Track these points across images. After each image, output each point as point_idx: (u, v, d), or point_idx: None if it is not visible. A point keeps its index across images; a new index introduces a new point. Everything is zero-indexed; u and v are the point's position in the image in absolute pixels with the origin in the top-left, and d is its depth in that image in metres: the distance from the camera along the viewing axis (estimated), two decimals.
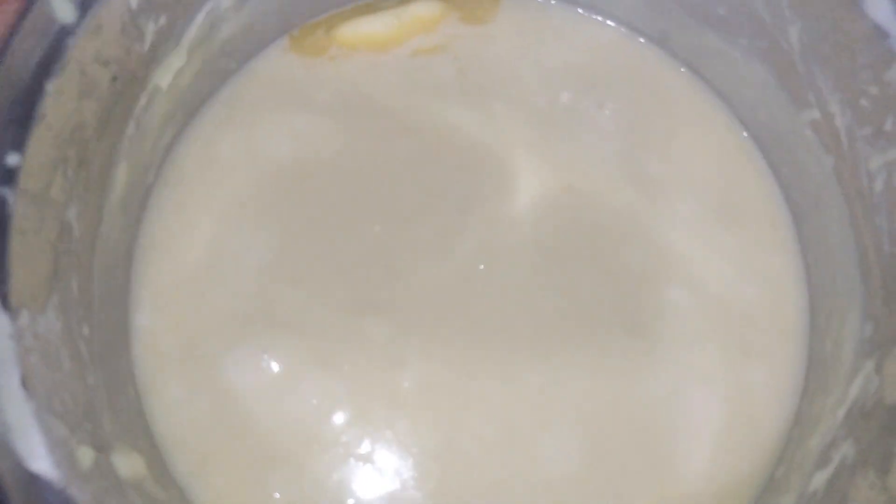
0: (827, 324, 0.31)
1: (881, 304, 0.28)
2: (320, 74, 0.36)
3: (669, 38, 0.35)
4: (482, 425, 0.31)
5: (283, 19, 0.35)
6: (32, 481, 0.21)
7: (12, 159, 0.23)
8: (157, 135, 0.32)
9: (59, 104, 0.25)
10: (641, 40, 0.36)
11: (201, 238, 0.33)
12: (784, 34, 0.30)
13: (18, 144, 0.24)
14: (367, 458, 0.31)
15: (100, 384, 0.26)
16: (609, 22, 0.36)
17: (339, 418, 0.31)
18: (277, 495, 0.30)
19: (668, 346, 0.32)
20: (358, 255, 0.33)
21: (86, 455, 0.23)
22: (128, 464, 0.25)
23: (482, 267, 0.33)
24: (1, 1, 0.26)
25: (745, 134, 0.35)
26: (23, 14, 0.24)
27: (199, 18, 0.30)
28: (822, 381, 0.30)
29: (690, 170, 0.35)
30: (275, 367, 0.32)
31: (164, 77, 0.30)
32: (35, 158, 0.24)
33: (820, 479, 0.27)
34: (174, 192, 0.33)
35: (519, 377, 0.32)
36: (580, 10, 0.36)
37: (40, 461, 0.21)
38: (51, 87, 0.24)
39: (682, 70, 0.36)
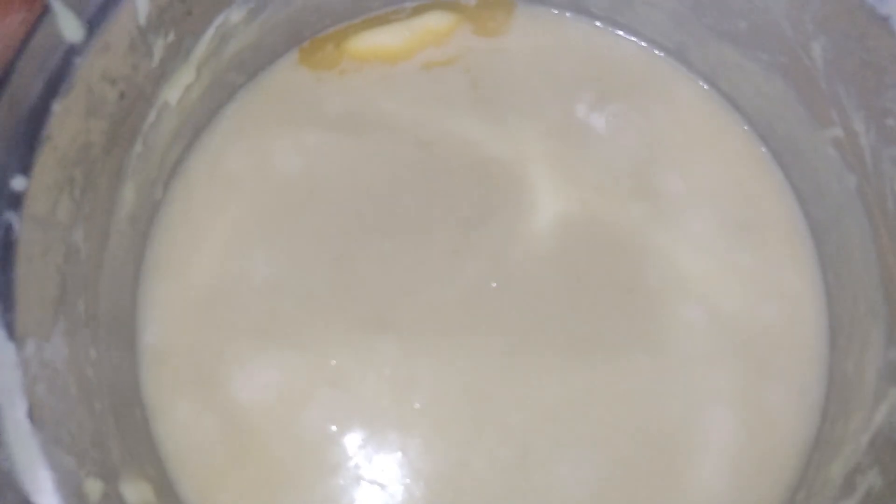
0: (848, 345, 0.31)
1: None
2: (330, 88, 0.35)
3: (688, 52, 0.35)
4: (496, 447, 0.31)
5: (293, 33, 0.35)
6: None
7: (18, 183, 0.23)
8: (165, 151, 0.31)
9: (65, 124, 0.24)
10: (659, 53, 0.36)
11: (209, 255, 0.33)
12: (806, 50, 0.29)
13: (24, 168, 0.23)
14: (377, 481, 0.30)
15: (107, 409, 0.26)
16: (626, 35, 0.36)
17: (348, 439, 0.31)
18: None
19: (684, 366, 0.32)
20: (368, 272, 0.33)
21: (94, 488, 0.22)
22: (136, 492, 0.25)
23: (494, 284, 0.33)
24: (5, 13, 0.25)
25: (763, 149, 0.35)
26: (29, 33, 0.23)
27: (209, 34, 0.30)
28: (844, 404, 0.30)
29: (708, 185, 0.34)
30: (284, 386, 0.31)
31: (172, 93, 0.30)
32: (41, 181, 0.24)
33: None
34: (182, 208, 0.33)
35: (533, 398, 0.31)
36: (597, 24, 0.35)
37: (48, 497, 0.20)
38: (57, 107, 0.24)
39: (701, 84, 0.35)
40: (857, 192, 0.30)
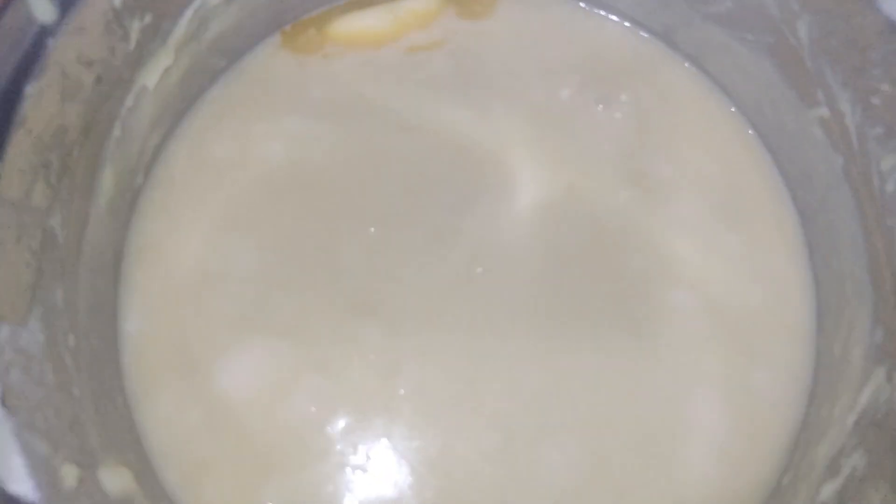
0: (836, 328, 0.31)
1: (893, 309, 0.27)
2: (313, 72, 0.35)
3: (673, 33, 0.34)
4: (481, 432, 0.31)
5: (275, 15, 0.34)
6: None
7: None
8: (145, 137, 0.31)
9: (39, 108, 0.24)
10: (644, 35, 0.35)
11: (192, 241, 0.32)
12: (792, 29, 0.29)
13: None
14: (362, 467, 0.30)
15: (86, 396, 0.26)
16: (611, 16, 0.35)
17: (333, 426, 0.30)
18: None
19: (671, 349, 0.32)
20: (352, 258, 0.32)
21: (70, 474, 0.22)
22: (116, 479, 0.25)
23: (480, 269, 0.32)
24: None
25: (750, 131, 0.34)
26: (0, 14, 0.23)
27: (187, 16, 0.29)
28: (831, 386, 0.30)
29: (694, 168, 0.34)
30: (268, 374, 0.31)
31: (150, 77, 0.29)
32: (13, 164, 0.23)
33: (829, 490, 0.26)
34: (164, 194, 0.32)
35: (518, 382, 0.31)
36: (581, 5, 0.35)
37: (20, 483, 0.20)
38: (30, 89, 0.23)
39: (687, 66, 0.35)
40: (844, 172, 0.30)
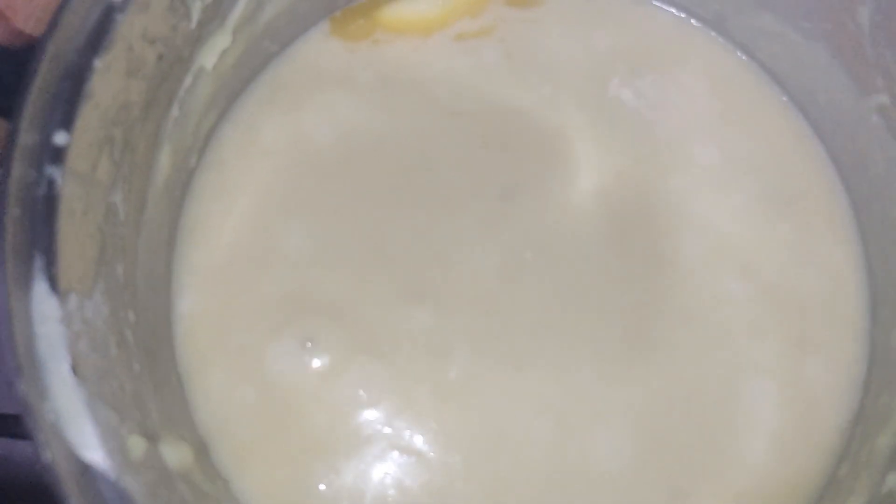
0: (892, 317, 0.30)
1: None
2: (363, 58, 0.35)
3: (725, 21, 0.34)
4: (532, 418, 0.30)
5: (326, 1, 0.34)
6: (85, 471, 0.20)
7: (60, 138, 0.23)
8: (200, 118, 0.31)
9: (106, 82, 0.24)
10: (695, 23, 0.35)
11: (242, 223, 0.32)
12: (853, 15, 0.29)
13: (67, 123, 0.23)
14: (412, 451, 0.30)
15: (145, 372, 0.26)
16: (662, 5, 0.35)
17: (383, 409, 0.30)
18: (322, 487, 0.29)
19: (723, 338, 0.31)
20: (401, 242, 0.32)
21: (137, 445, 0.22)
22: (176, 454, 0.25)
23: (529, 255, 0.32)
24: None
25: (803, 121, 0.34)
26: None
27: None
28: (888, 376, 0.29)
29: (745, 156, 0.34)
30: (318, 356, 0.31)
31: (208, 58, 0.29)
32: (82, 138, 0.23)
33: (894, 480, 0.25)
34: (216, 176, 0.33)
35: (570, 369, 0.31)
36: None
37: (93, 451, 0.20)
38: (99, 63, 0.24)
39: (738, 54, 0.35)
40: None
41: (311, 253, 0.32)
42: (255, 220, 0.32)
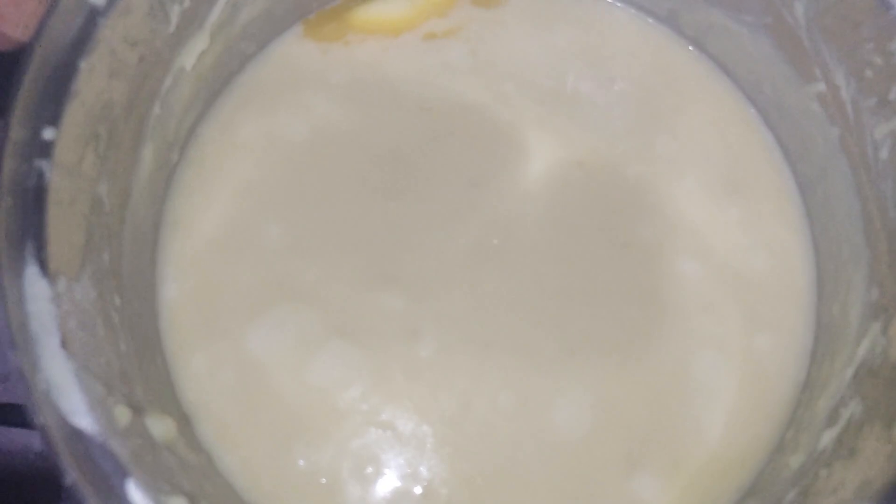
0: (834, 290, 0.32)
1: (886, 268, 0.28)
2: (335, 58, 0.37)
3: (677, 17, 0.36)
4: (496, 393, 0.32)
5: (300, 3, 0.36)
6: (76, 436, 0.22)
7: (48, 133, 0.24)
8: (181, 116, 0.33)
9: (90, 82, 0.26)
10: (650, 20, 0.37)
11: (222, 215, 0.34)
12: (790, 9, 0.31)
13: (54, 119, 0.25)
14: (386, 426, 0.32)
15: (131, 352, 0.27)
16: (619, 3, 0.37)
17: (358, 387, 0.32)
18: (301, 462, 0.31)
19: (679, 316, 0.33)
20: (373, 231, 0.34)
21: (123, 414, 0.24)
22: (160, 427, 0.26)
23: (495, 241, 0.34)
24: None
25: (752, 109, 0.36)
26: None
27: (221, 2, 0.31)
28: (830, 345, 0.31)
29: (698, 145, 0.36)
30: (295, 338, 0.33)
31: (188, 59, 0.31)
32: (69, 133, 0.25)
33: (828, 437, 0.27)
34: (197, 171, 0.34)
35: (533, 346, 0.33)
36: None
37: (82, 417, 0.22)
38: (83, 64, 0.25)
39: (690, 48, 0.37)
40: (840, 143, 0.31)
41: (287, 242, 0.34)
42: (233, 212, 0.34)
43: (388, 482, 0.31)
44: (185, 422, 0.30)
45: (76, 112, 0.25)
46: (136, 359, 0.28)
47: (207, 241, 0.34)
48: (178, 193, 0.34)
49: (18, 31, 0.31)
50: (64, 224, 0.25)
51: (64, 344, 0.23)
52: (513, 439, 0.32)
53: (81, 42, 0.25)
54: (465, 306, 0.33)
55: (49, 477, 0.22)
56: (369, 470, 0.31)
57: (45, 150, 0.24)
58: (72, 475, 0.21)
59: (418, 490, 0.31)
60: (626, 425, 0.32)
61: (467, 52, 0.37)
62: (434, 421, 0.32)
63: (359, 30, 0.37)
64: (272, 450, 0.31)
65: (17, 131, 0.24)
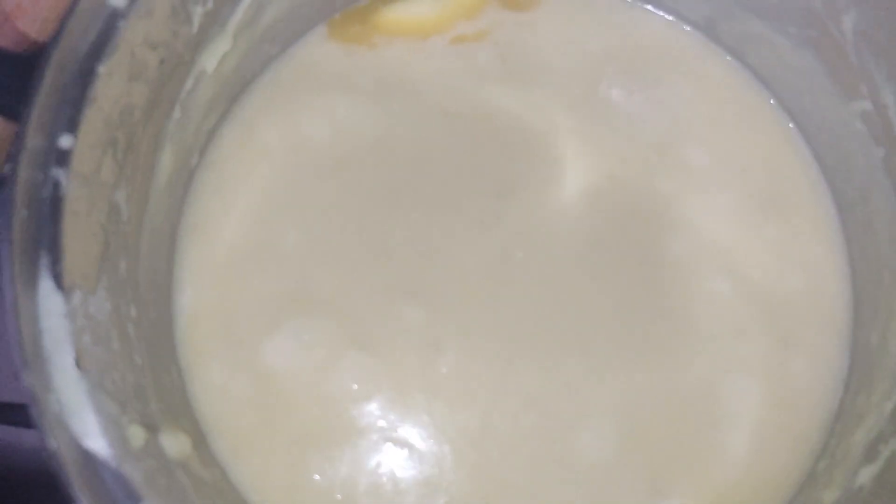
0: (873, 317, 0.31)
1: None
2: (360, 60, 0.36)
3: (715, 26, 0.35)
4: (519, 412, 0.31)
5: (325, 4, 0.35)
6: (88, 459, 0.21)
7: (65, 141, 0.24)
8: (201, 119, 0.32)
9: (109, 86, 0.25)
10: (687, 28, 0.36)
11: (241, 221, 0.33)
12: (837, 23, 0.30)
13: (72, 126, 0.24)
14: (404, 442, 0.31)
15: (146, 365, 0.27)
16: (654, 9, 0.36)
17: (376, 402, 0.31)
18: (316, 477, 0.30)
19: (708, 336, 0.32)
20: (395, 240, 0.33)
21: (136, 434, 0.23)
22: (175, 444, 0.26)
23: (520, 254, 0.33)
24: None
25: (790, 124, 0.35)
26: None
27: (245, 3, 0.30)
28: (868, 374, 0.30)
29: (733, 159, 0.35)
30: (313, 350, 0.32)
31: (209, 61, 0.30)
32: (86, 140, 0.24)
33: (867, 474, 0.26)
34: (216, 175, 0.34)
35: (557, 364, 0.32)
36: None
37: (95, 439, 0.21)
38: (102, 69, 0.25)
39: (728, 58, 0.36)
40: (884, 165, 0.30)
41: (307, 250, 0.33)
42: (253, 218, 0.33)
43: (405, 501, 0.30)
44: (199, 436, 0.29)
45: (94, 118, 0.25)
46: (151, 372, 0.27)
47: (226, 247, 0.33)
48: (196, 198, 0.33)
49: (35, 27, 0.30)
50: (80, 235, 0.24)
51: (78, 362, 0.22)
52: (534, 460, 0.31)
53: (101, 45, 0.25)
54: (488, 321, 0.32)
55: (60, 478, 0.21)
56: (386, 487, 0.31)
57: (62, 158, 0.24)
58: (83, 502, 0.20)
59: None
60: (652, 448, 0.31)
61: (496, 56, 0.36)
62: (453, 438, 0.31)
63: (385, 32, 0.36)
64: (288, 463, 0.31)
65: (32, 139, 0.23)
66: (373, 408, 0.31)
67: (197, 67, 0.30)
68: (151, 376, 0.27)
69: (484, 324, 0.32)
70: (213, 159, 0.34)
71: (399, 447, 0.31)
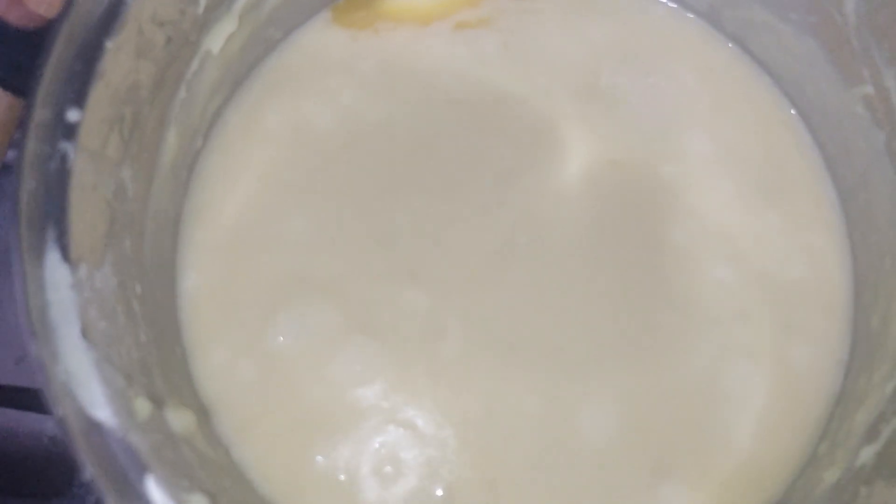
0: (874, 301, 0.31)
1: None
2: (364, 46, 0.36)
3: (718, 13, 0.35)
4: (521, 395, 0.31)
5: None
6: (94, 428, 0.21)
7: (73, 115, 0.24)
8: (206, 100, 0.32)
9: (117, 62, 0.25)
10: (689, 16, 0.36)
11: (245, 205, 0.33)
12: (838, 7, 0.30)
13: (79, 100, 0.24)
14: (407, 425, 0.31)
15: (151, 342, 0.27)
16: None
17: (380, 385, 0.31)
18: (319, 458, 0.30)
19: (710, 321, 0.32)
20: (399, 225, 0.33)
21: (142, 407, 0.23)
22: (179, 419, 0.26)
23: (523, 239, 0.33)
24: None
25: (792, 111, 0.35)
26: None
27: None
28: (869, 357, 0.30)
29: (735, 146, 0.35)
30: (316, 333, 0.32)
31: (215, 42, 0.30)
32: (94, 115, 0.24)
33: (868, 453, 0.26)
34: (220, 158, 0.34)
35: (559, 349, 0.32)
36: None
37: (101, 409, 0.21)
38: (110, 44, 0.25)
39: (730, 45, 0.36)
40: (886, 149, 0.30)
41: (310, 234, 0.33)
42: (257, 201, 0.33)
43: (408, 482, 0.30)
44: (203, 415, 0.29)
45: (101, 93, 0.25)
46: (156, 349, 0.27)
47: (230, 230, 0.33)
48: (201, 181, 0.33)
49: (43, 6, 0.31)
50: (87, 209, 0.24)
51: (84, 333, 0.22)
52: (537, 444, 0.31)
53: (109, 21, 0.25)
54: (491, 306, 0.32)
55: (61, 462, 0.21)
56: (389, 469, 0.31)
57: (70, 131, 0.24)
58: (90, 469, 0.20)
59: (439, 492, 0.30)
60: (654, 433, 0.31)
61: (499, 43, 0.36)
62: (456, 422, 0.31)
63: (389, 17, 0.36)
64: (291, 445, 0.31)
65: (40, 112, 0.23)
66: (376, 391, 0.31)
67: (203, 48, 0.30)
68: (156, 354, 0.27)
69: (487, 308, 0.32)
70: (218, 142, 0.34)
71: (402, 430, 0.31)
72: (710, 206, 0.34)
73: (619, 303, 0.33)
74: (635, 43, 0.36)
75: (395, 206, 0.34)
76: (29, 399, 0.37)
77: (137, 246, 0.28)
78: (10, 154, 0.30)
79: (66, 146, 0.23)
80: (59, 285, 0.22)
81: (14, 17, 0.27)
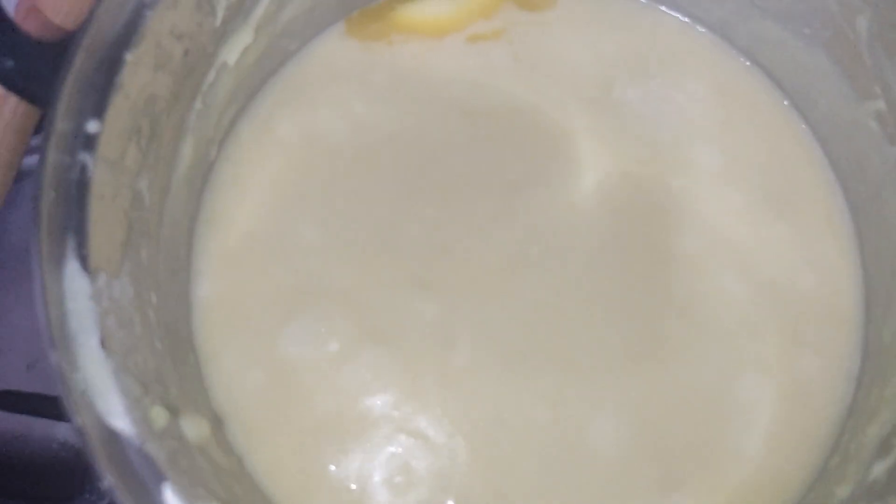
0: (885, 315, 0.31)
1: None
2: (377, 57, 0.36)
3: (730, 27, 0.35)
4: (532, 405, 0.31)
5: (343, 2, 0.36)
6: (113, 437, 0.21)
7: (93, 126, 0.24)
8: (221, 111, 0.32)
9: (135, 75, 0.25)
10: (700, 29, 0.36)
11: (258, 214, 0.34)
12: (851, 23, 0.30)
13: (99, 112, 0.24)
14: (418, 435, 0.31)
15: (166, 351, 0.27)
16: (668, 10, 0.36)
17: (390, 394, 0.31)
18: (332, 467, 0.31)
19: (721, 334, 0.32)
20: (411, 235, 0.33)
21: (159, 415, 0.23)
22: (194, 428, 0.26)
23: (535, 250, 0.33)
24: None
25: (803, 125, 0.35)
26: None
27: None
28: (880, 371, 0.30)
29: (746, 159, 0.35)
30: (328, 341, 0.32)
31: (231, 54, 0.31)
32: (113, 126, 0.25)
33: (880, 469, 0.26)
34: (234, 168, 0.34)
35: (570, 360, 0.32)
36: (642, 0, 0.36)
37: (119, 418, 0.21)
38: (129, 57, 0.25)
39: (741, 59, 0.36)
40: None
41: (322, 243, 0.33)
42: (270, 210, 0.34)
43: (419, 492, 0.30)
44: (217, 423, 0.29)
45: (120, 105, 0.25)
46: (170, 358, 0.27)
47: (242, 239, 0.33)
48: (215, 190, 0.33)
49: (61, 16, 0.31)
50: (105, 219, 0.24)
51: (103, 342, 0.22)
52: (547, 454, 0.31)
53: (129, 34, 0.25)
54: (502, 316, 0.33)
55: (72, 467, 0.21)
56: (399, 479, 0.31)
57: (89, 142, 0.24)
58: (109, 479, 0.20)
59: (450, 502, 0.30)
60: (663, 444, 0.31)
61: (512, 55, 0.36)
62: (467, 432, 0.31)
63: (402, 29, 0.37)
64: (302, 454, 0.31)
65: (60, 123, 0.24)
66: (387, 400, 0.31)
67: (219, 60, 0.30)
68: (171, 362, 0.27)
69: (498, 319, 0.32)
70: (232, 152, 0.34)
71: (412, 440, 0.31)
72: (721, 219, 0.34)
73: (630, 314, 0.33)
74: (647, 56, 0.36)
75: (407, 216, 0.34)
76: (40, 404, 0.37)
77: (153, 255, 0.28)
78: (27, 160, 0.30)
79: (85, 157, 0.24)
80: (78, 295, 0.22)
81: (32, 28, 0.27)
